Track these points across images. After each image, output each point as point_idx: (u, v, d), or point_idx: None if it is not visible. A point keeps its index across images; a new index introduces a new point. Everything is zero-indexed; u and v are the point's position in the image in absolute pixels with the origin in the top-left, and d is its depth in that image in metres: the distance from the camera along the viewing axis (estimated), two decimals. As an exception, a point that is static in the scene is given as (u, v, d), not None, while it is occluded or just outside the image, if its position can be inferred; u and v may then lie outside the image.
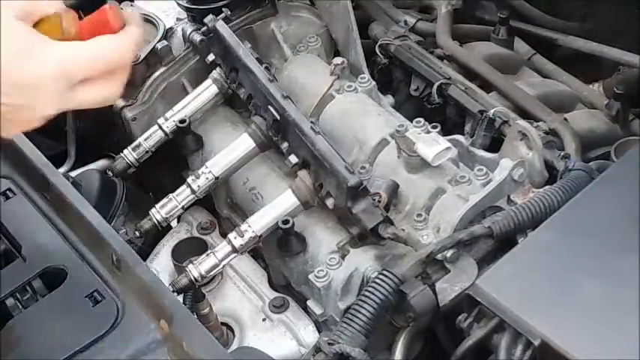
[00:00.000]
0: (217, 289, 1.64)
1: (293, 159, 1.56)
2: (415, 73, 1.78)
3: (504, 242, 1.40)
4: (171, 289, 1.46)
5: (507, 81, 1.75)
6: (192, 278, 1.48)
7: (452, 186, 1.49)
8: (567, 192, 1.41)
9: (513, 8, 2.01)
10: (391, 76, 1.84)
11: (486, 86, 1.73)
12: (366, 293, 1.34)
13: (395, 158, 1.56)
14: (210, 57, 1.72)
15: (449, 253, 1.40)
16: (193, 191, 1.62)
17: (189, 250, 1.64)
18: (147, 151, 1.73)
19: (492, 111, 1.61)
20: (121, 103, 1.76)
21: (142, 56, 1.74)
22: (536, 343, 1.17)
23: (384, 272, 1.35)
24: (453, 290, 1.39)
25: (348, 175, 1.44)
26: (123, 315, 1.35)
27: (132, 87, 1.73)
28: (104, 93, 1.11)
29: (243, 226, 1.51)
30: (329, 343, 1.31)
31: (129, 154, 1.72)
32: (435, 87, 1.72)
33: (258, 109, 1.63)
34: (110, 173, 1.76)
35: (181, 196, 1.62)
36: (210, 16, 1.72)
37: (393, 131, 1.57)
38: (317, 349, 1.33)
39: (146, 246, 1.76)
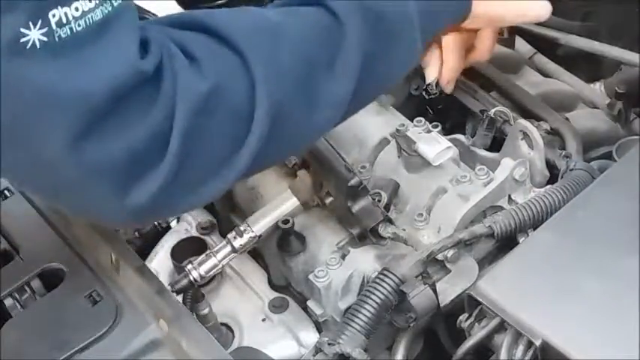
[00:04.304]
0: (217, 289, 1.63)
1: (293, 158, 1.55)
2: (415, 72, 1.77)
3: (505, 242, 1.40)
4: (171, 290, 1.45)
5: (508, 80, 1.74)
6: (192, 278, 1.47)
7: (453, 185, 1.48)
8: (568, 192, 1.40)
9: (514, 7, 2.00)
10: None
11: (487, 85, 1.72)
12: (367, 293, 1.33)
13: (395, 158, 1.55)
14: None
15: (450, 253, 1.39)
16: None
17: (188, 250, 1.63)
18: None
19: (493, 110, 1.60)
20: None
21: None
22: (538, 343, 1.16)
23: (385, 272, 1.34)
24: (453, 290, 1.38)
25: (348, 174, 1.43)
26: (122, 315, 1.35)
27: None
28: None
29: (243, 226, 1.51)
30: (329, 344, 1.31)
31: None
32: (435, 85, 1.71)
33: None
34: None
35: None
36: (210, 15, 1.71)
37: (394, 130, 1.56)
38: (317, 349, 1.32)
39: (145, 246, 1.75)
